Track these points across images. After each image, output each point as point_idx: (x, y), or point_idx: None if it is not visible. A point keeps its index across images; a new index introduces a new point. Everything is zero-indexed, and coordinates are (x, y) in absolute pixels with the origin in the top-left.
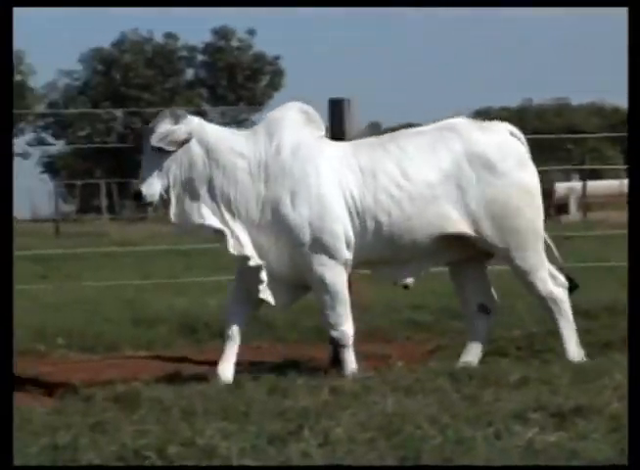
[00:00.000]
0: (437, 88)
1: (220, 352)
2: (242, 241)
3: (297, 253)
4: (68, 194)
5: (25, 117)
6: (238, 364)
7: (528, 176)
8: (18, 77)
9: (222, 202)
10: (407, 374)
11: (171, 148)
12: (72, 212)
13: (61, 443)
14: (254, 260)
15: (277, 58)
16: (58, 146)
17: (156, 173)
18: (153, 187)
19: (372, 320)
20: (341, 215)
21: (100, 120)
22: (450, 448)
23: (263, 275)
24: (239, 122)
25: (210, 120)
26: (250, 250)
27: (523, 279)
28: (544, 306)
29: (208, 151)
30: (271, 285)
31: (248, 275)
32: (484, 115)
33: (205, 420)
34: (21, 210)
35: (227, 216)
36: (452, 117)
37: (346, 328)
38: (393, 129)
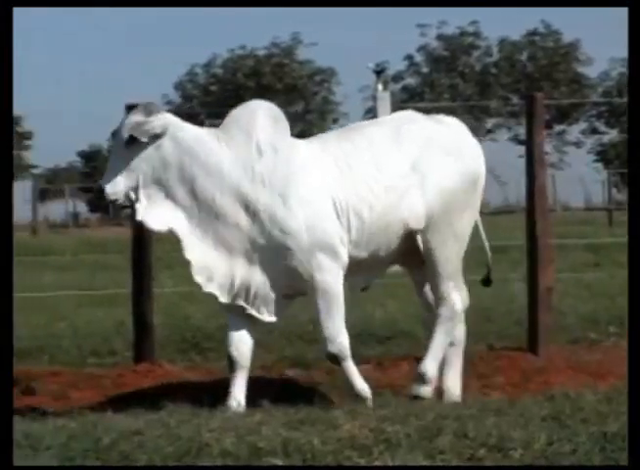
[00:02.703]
0: None
1: None
2: (209, 263)
3: (295, 258)
4: (621, 182)
5: (580, 107)
6: None
7: (481, 169)
8: (577, 69)
9: (204, 203)
10: None
11: (144, 138)
12: (625, 201)
13: (610, 430)
14: (218, 293)
15: None
16: (610, 135)
17: (123, 172)
18: (117, 186)
19: None
20: (332, 215)
21: None
22: None
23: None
24: None
25: None
26: (217, 277)
27: (433, 283)
28: (436, 315)
29: (187, 150)
30: (260, 299)
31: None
32: None
33: None
34: (574, 198)
35: (205, 219)
36: None
37: (343, 340)
38: None
